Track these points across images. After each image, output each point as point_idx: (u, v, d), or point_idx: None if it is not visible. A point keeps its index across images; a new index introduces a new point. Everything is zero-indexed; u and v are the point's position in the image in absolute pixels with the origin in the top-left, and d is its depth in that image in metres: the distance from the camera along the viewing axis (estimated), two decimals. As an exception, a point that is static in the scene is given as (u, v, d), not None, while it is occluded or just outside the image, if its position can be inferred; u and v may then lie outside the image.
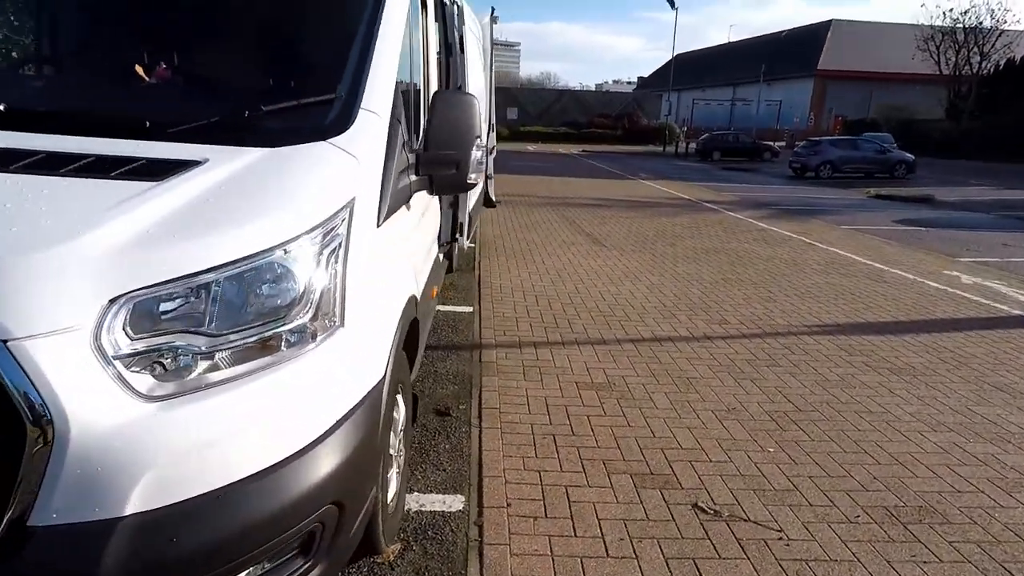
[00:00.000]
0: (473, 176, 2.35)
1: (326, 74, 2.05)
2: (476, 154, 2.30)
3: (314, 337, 1.47)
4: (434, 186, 2.33)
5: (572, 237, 8.75)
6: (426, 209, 2.73)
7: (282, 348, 1.41)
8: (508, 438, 3.13)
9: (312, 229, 1.50)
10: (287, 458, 1.38)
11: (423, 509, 2.55)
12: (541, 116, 43.38)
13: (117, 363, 1.19)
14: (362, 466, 1.63)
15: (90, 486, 1.13)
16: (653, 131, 40.49)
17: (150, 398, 1.21)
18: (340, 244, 1.59)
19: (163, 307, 1.27)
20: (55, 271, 1.17)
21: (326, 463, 1.46)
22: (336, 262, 1.56)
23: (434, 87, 3.14)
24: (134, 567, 1.15)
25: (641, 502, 2.65)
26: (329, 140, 1.77)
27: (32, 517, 1.11)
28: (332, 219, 1.57)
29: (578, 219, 10.45)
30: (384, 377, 1.80)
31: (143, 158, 1.51)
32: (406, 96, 2.38)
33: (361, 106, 1.93)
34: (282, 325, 1.41)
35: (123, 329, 1.22)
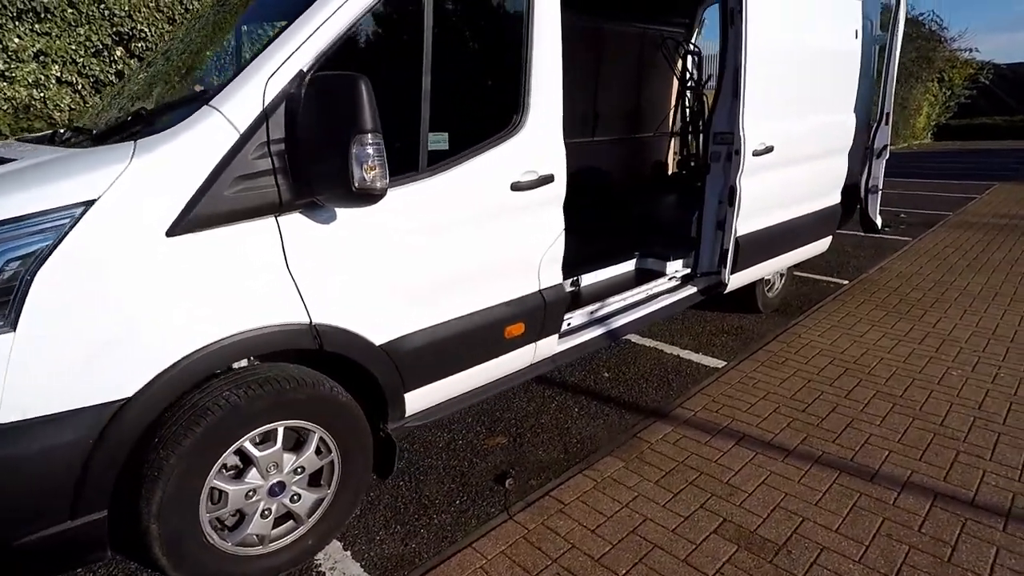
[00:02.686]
0: (378, 184, 1.77)
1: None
2: (365, 151, 1.72)
3: None
4: (316, 195, 1.86)
5: (1055, 291, 5.23)
6: (411, 225, 2.20)
7: None
8: (518, 548, 2.26)
9: None
10: None
11: (331, 571, 2.17)
12: None
13: None
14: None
15: None
16: None
17: None
18: (39, 246, 1.55)
19: None
20: None
21: None
22: (21, 263, 1.53)
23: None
24: None
25: None
26: (138, 140, 1.72)
27: None
28: (31, 218, 1.54)
29: (1114, 263, 6.11)
30: (128, 401, 1.66)
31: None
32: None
33: (210, 103, 1.77)
34: None
35: None
